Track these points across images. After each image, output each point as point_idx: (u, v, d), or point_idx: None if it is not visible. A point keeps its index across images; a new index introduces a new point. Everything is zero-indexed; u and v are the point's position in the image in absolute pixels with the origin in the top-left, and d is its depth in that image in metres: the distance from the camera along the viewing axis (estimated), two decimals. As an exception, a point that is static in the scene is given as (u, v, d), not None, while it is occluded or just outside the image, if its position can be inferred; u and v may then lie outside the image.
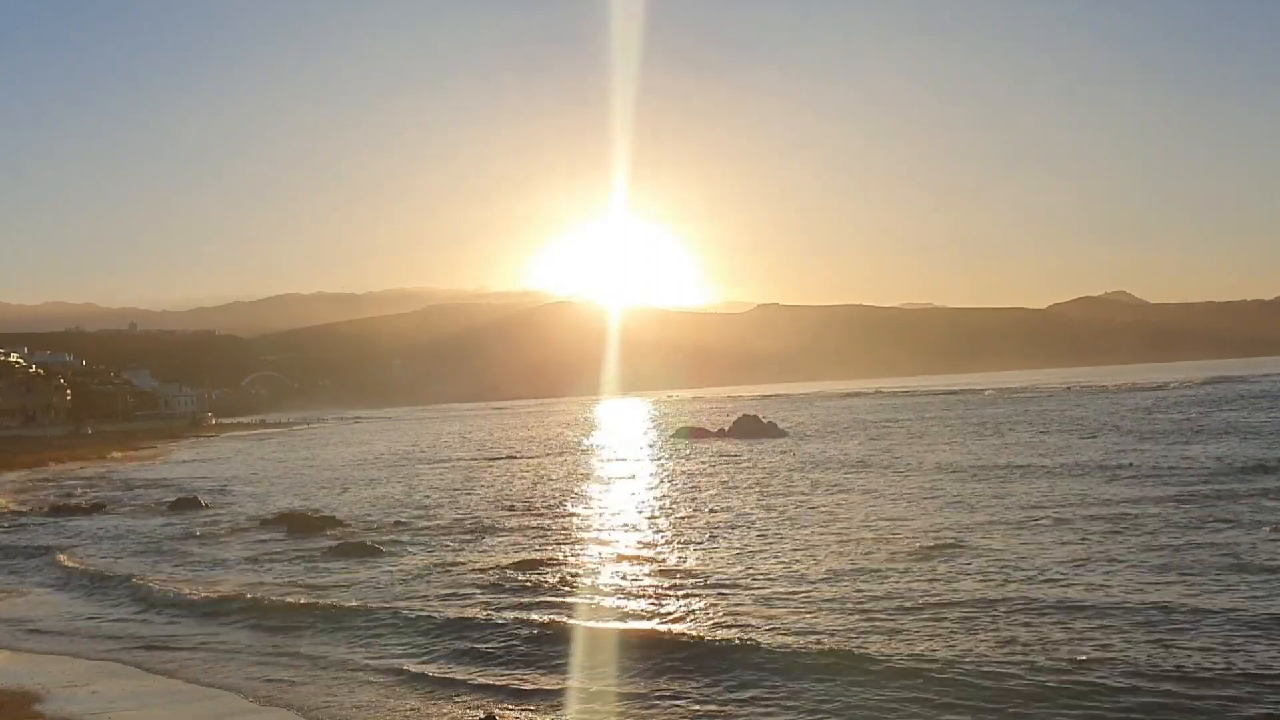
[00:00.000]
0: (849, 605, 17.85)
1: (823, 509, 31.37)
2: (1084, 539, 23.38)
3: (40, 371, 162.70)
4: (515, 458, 64.61)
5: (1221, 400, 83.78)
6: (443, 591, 21.35)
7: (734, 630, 16.52)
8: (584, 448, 73.09)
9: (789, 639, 15.76)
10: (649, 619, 17.85)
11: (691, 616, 17.80)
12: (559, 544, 26.94)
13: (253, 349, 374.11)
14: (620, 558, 24.41)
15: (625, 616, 18.16)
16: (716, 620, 17.35)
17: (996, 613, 16.80)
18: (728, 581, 20.50)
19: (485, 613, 18.77)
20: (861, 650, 14.83)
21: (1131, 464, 38.44)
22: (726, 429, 76.40)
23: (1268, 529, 23.05)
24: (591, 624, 17.43)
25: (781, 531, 27.15)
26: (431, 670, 15.64)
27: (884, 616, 16.95)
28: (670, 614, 18.06)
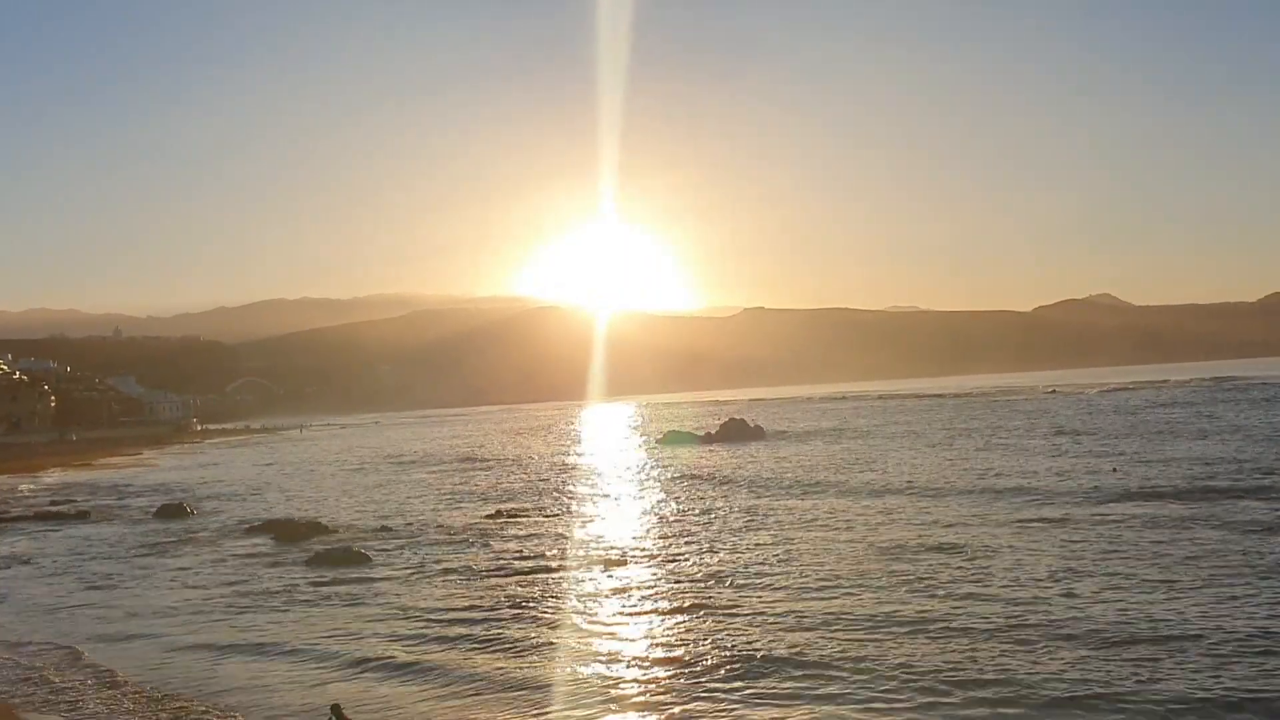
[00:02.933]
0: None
1: (808, 528, 31.40)
2: (1072, 552, 23.47)
3: (24, 378, 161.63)
4: (501, 462, 64.53)
5: (1199, 403, 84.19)
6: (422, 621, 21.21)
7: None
8: (570, 453, 73.04)
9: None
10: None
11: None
12: (539, 555, 26.91)
13: (238, 355, 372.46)
14: (600, 578, 23.81)
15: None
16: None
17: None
18: (695, 617, 18.33)
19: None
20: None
21: (1115, 469, 38.61)
22: (713, 433, 76.46)
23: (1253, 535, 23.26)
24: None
25: (767, 550, 27.10)
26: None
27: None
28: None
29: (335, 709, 13.20)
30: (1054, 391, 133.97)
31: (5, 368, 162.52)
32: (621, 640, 17.15)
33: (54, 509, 45.32)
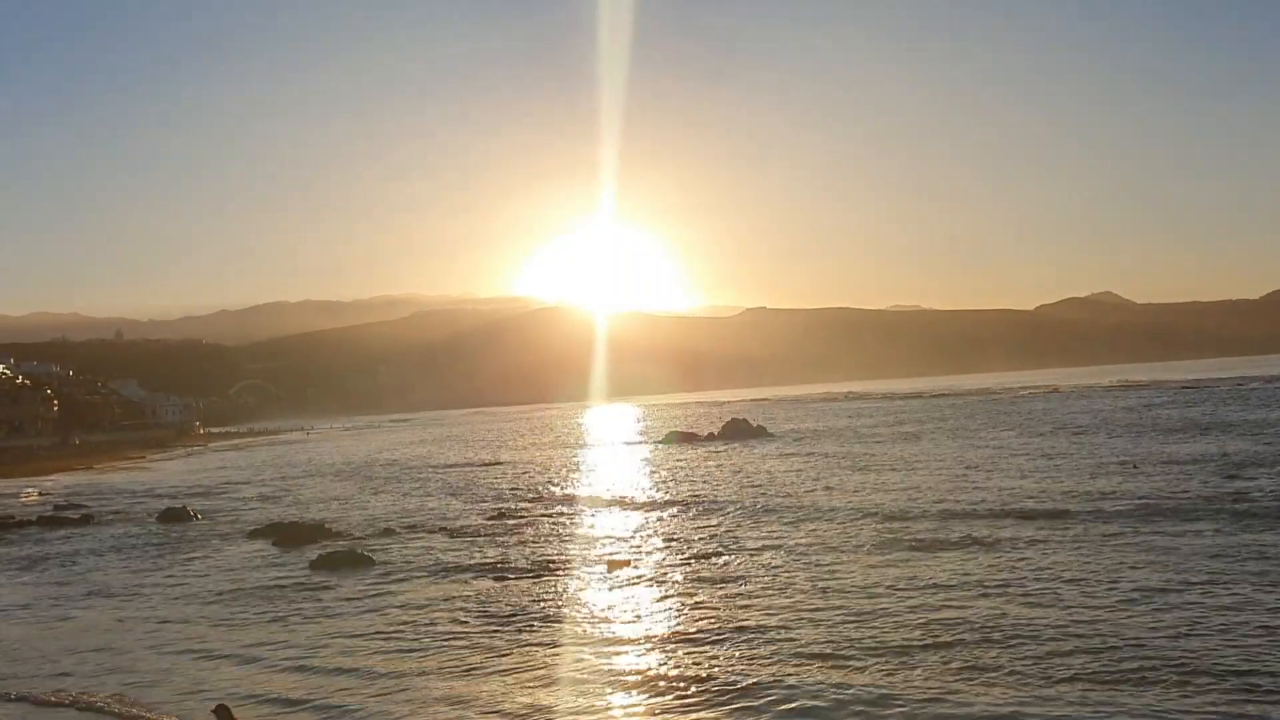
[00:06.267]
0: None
1: (811, 529, 31.27)
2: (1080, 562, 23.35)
3: (26, 382, 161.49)
4: (503, 464, 64.43)
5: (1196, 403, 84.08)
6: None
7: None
8: (572, 454, 72.93)
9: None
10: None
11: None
12: (542, 556, 26.79)
13: (240, 357, 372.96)
14: (603, 579, 23.61)
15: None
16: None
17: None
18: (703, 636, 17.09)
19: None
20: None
21: (1134, 465, 38.50)
22: (715, 433, 76.43)
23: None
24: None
25: (772, 551, 26.94)
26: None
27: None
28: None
29: (221, 710, 12.81)
30: (1055, 390, 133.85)
31: (7, 371, 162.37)
32: (624, 644, 16.97)
33: (56, 514, 45.19)
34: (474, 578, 23.70)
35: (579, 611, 19.45)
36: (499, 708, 14.02)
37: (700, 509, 34.09)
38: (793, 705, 13.27)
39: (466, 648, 17.22)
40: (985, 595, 18.24)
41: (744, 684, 14.14)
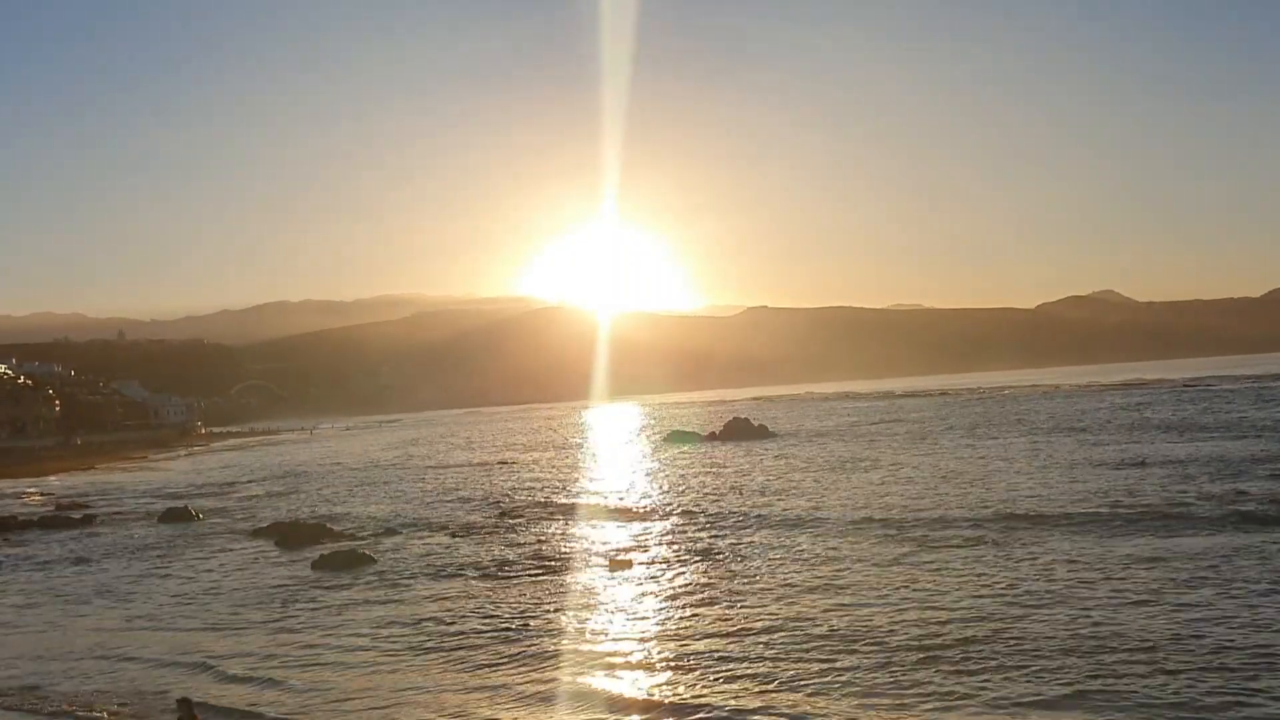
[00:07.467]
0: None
1: (812, 528, 31.28)
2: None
3: (28, 382, 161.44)
4: (505, 463, 64.40)
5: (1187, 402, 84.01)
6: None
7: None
8: (574, 453, 72.93)
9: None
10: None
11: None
12: (544, 556, 26.85)
13: (242, 357, 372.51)
14: (604, 580, 23.70)
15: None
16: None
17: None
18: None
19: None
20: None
21: (1141, 464, 38.51)
22: (717, 433, 76.48)
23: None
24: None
25: (772, 551, 26.92)
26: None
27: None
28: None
29: (183, 703, 12.88)
30: (1057, 389, 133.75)
31: (10, 372, 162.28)
32: (623, 655, 16.85)
33: (59, 514, 45.23)
34: (474, 578, 23.74)
35: (578, 618, 19.35)
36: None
37: (701, 509, 34.09)
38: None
39: (464, 658, 17.16)
40: (989, 601, 18.21)
41: (747, 705, 13.89)
